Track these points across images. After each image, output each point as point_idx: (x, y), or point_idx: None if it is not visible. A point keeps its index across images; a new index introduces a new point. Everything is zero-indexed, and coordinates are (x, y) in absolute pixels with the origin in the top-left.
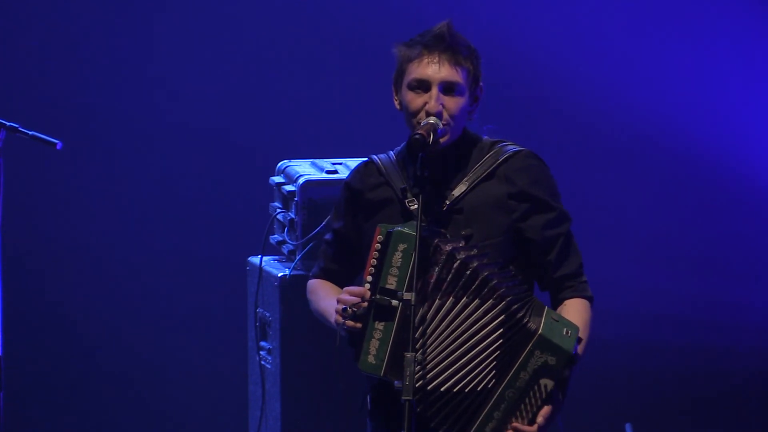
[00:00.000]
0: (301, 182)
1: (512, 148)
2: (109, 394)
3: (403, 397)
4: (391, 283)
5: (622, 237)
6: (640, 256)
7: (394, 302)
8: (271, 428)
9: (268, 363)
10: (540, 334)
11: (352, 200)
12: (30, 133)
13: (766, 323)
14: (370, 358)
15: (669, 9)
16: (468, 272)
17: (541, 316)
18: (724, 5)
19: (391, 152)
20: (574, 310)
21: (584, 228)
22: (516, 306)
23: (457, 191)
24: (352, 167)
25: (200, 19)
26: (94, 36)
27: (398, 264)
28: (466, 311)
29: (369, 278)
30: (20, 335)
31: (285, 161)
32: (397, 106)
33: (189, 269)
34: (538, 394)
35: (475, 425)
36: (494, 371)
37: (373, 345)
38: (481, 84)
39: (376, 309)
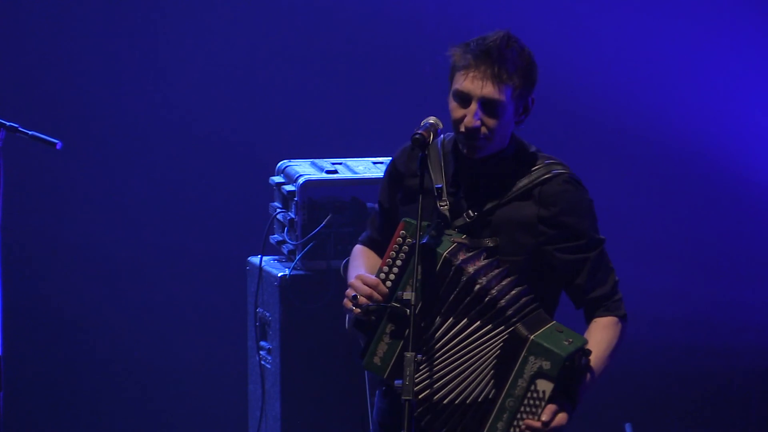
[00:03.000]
0: (301, 182)
1: (555, 170)
2: (109, 393)
3: (403, 397)
4: (408, 294)
5: (623, 237)
6: (640, 256)
7: (408, 311)
8: (271, 428)
9: (268, 363)
10: (532, 340)
11: (395, 179)
12: (30, 133)
13: (766, 323)
14: (376, 359)
15: (670, 10)
16: (486, 299)
17: (543, 326)
18: (725, 6)
19: (441, 136)
20: (601, 327)
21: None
22: (515, 319)
23: (490, 204)
24: (404, 145)
25: (200, 19)
26: (94, 36)
27: (419, 276)
28: (478, 334)
29: (385, 269)
30: (20, 335)
31: (285, 161)
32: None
33: (189, 269)
34: (537, 400)
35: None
36: (492, 380)
37: (381, 347)
38: (532, 96)
39: (390, 315)
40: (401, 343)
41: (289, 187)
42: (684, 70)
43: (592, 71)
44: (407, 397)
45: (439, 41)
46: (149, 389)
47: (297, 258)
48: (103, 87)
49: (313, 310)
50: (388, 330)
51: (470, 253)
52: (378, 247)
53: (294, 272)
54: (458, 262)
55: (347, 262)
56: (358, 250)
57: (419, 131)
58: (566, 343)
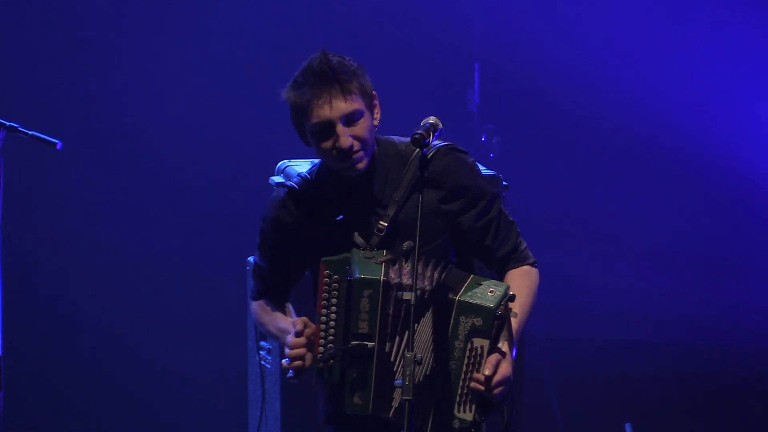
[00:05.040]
0: None
1: (435, 144)
2: (109, 393)
3: (403, 397)
4: (363, 327)
5: (623, 238)
6: (641, 257)
7: (370, 344)
8: (271, 428)
9: (268, 363)
10: (458, 300)
11: (283, 234)
12: (30, 133)
13: (766, 323)
14: (356, 399)
15: (671, 10)
16: (422, 297)
17: (463, 285)
18: (726, 6)
19: (305, 174)
20: (517, 276)
21: (586, 229)
22: (436, 290)
23: (390, 210)
24: (271, 198)
25: (201, 20)
26: (95, 36)
27: (366, 309)
28: (426, 330)
29: (323, 311)
30: (20, 335)
31: (285, 161)
32: (308, 145)
33: (189, 269)
34: (477, 356)
35: (432, 407)
36: (433, 353)
37: (355, 387)
38: (374, 92)
39: (353, 355)
40: (374, 375)
41: None
42: (684, 71)
43: (595, 73)
44: (407, 397)
45: (439, 41)
46: (149, 389)
47: None
48: (103, 87)
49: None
50: (355, 369)
51: (396, 266)
52: (271, 295)
53: None
54: (394, 280)
55: (255, 317)
56: (261, 307)
57: (419, 131)
58: (490, 293)
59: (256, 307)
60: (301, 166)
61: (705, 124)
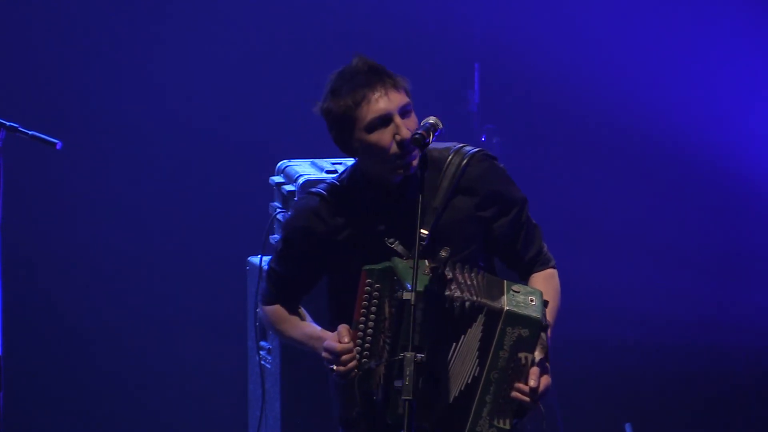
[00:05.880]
0: (301, 182)
1: (467, 152)
2: (109, 394)
3: (403, 397)
4: (414, 339)
5: (623, 238)
6: (641, 257)
7: (420, 356)
8: (271, 428)
9: (268, 363)
10: (506, 311)
11: (313, 244)
12: (30, 133)
13: (766, 323)
14: (399, 409)
15: (671, 11)
16: (467, 305)
17: (503, 293)
18: (726, 6)
19: (335, 181)
20: (542, 279)
21: (586, 229)
22: (484, 300)
23: (429, 217)
24: (300, 206)
25: (200, 19)
26: (95, 36)
27: (419, 320)
28: (470, 338)
29: (362, 319)
30: (20, 335)
31: (285, 161)
32: (351, 155)
33: (189, 269)
34: (520, 367)
35: (471, 414)
36: (477, 360)
37: (399, 396)
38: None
39: (402, 365)
40: (419, 386)
41: (289, 187)
42: (685, 71)
43: (595, 73)
44: (407, 397)
45: (439, 41)
46: (149, 389)
47: None
48: (103, 87)
49: (313, 310)
50: (401, 379)
51: (441, 276)
52: (287, 301)
53: None
54: (446, 293)
55: (271, 322)
56: (277, 313)
57: (419, 131)
58: (531, 302)
59: (271, 312)
60: (301, 166)
61: (706, 125)
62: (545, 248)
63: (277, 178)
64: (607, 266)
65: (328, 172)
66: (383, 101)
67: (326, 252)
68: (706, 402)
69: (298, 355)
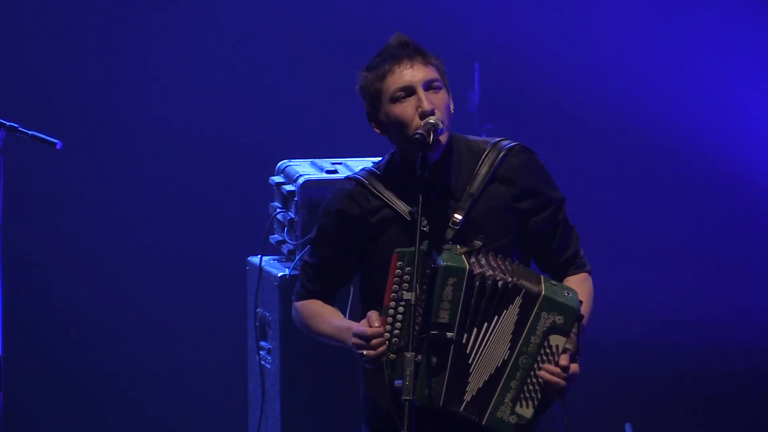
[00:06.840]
0: (301, 182)
1: (506, 144)
2: (109, 394)
3: (403, 397)
4: (443, 317)
5: (624, 239)
6: (642, 257)
7: (449, 334)
8: (271, 428)
9: (268, 363)
10: (544, 296)
11: (348, 227)
12: (30, 133)
13: (766, 323)
14: (426, 390)
15: (671, 11)
16: (500, 285)
17: (540, 282)
18: (727, 6)
19: (372, 168)
20: (577, 282)
21: (587, 229)
22: (522, 281)
23: (464, 202)
24: (336, 190)
25: (200, 20)
26: (94, 36)
27: (449, 298)
28: (504, 320)
29: (392, 303)
30: (20, 335)
31: (285, 161)
32: (378, 131)
33: (189, 269)
34: (551, 354)
35: (494, 398)
36: (510, 344)
37: (428, 377)
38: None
39: (431, 344)
40: (449, 367)
41: (289, 187)
42: (687, 71)
43: (596, 73)
44: (407, 397)
45: (439, 41)
46: (149, 389)
47: (297, 258)
48: (103, 87)
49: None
50: (430, 359)
51: (473, 258)
52: (320, 296)
53: (294, 272)
54: (477, 270)
55: (302, 317)
56: (310, 306)
57: (419, 131)
58: (567, 294)
59: (302, 307)
60: (301, 166)
61: (709, 125)
62: (581, 252)
63: (277, 178)
64: (607, 266)
65: (328, 172)
66: (408, 73)
67: (360, 234)
68: (706, 402)
69: (298, 355)
